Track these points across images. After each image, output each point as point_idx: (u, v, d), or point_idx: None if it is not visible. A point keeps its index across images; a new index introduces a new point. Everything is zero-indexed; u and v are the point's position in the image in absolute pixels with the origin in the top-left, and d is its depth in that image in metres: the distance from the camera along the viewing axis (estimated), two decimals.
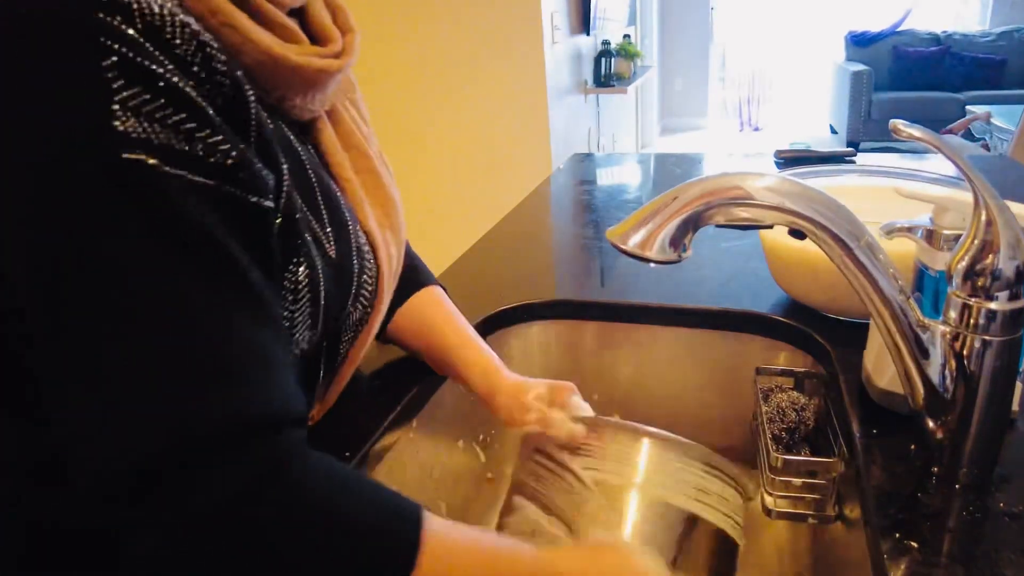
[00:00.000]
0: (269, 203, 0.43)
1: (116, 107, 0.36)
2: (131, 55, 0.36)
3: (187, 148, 0.38)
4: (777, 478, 0.69)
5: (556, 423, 0.61)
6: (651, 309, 0.90)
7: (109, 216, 0.36)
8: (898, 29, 5.73)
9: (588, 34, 3.47)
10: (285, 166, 0.46)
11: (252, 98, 0.43)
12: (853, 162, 1.59)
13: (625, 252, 0.51)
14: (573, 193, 1.55)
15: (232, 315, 0.40)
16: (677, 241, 0.51)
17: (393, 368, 0.79)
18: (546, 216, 1.40)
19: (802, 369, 0.81)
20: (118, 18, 0.36)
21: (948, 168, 1.05)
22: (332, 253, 0.53)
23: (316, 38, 0.54)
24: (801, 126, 6.61)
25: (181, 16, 0.39)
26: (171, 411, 0.37)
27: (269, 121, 0.48)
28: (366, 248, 0.58)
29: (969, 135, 3.92)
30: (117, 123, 0.36)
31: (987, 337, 0.51)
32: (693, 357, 0.90)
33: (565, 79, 3.22)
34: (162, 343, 0.37)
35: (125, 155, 0.36)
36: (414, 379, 0.76)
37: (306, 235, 0.49)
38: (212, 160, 0.39)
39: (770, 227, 0.52)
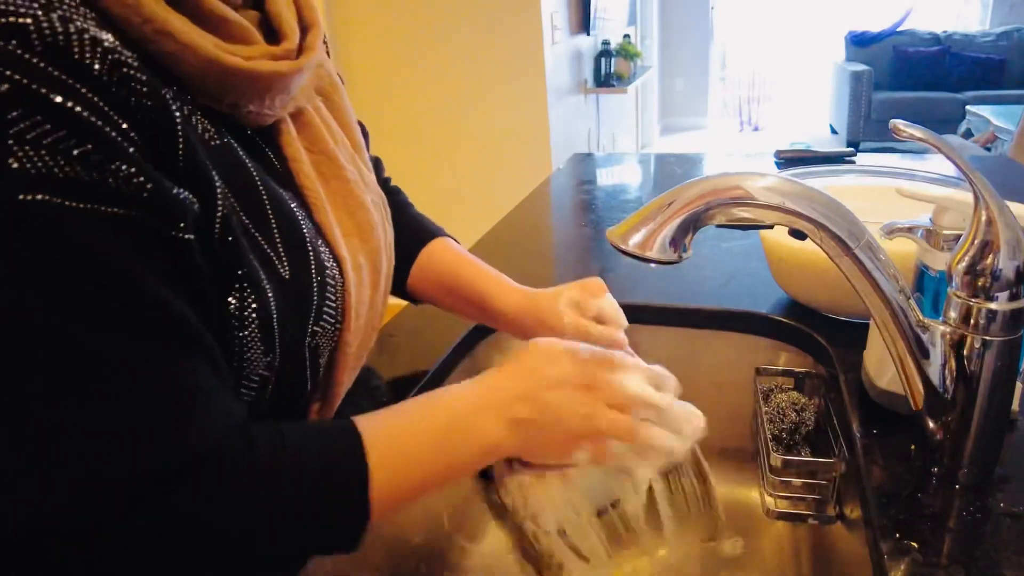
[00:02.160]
0: (190, 234, 0.40)
1: (11, 141, 0.33)
2: (27, 83, 0.33)
3: (97, 179, 0.36)
4: (777, 478, 0.69)
5: (595, 335, 0.63)
6: (651, 309, 0.90)
7: (11, 263, 0.34)
8: (898, 29, 5.73)
9: (588, 34, 3.47)
10: (219, 189, 0.43)
11: (178, 117, 0.40)
12: (853, 162, 1.59)
13: (625, 252, 0.51)
14: (573, 193, 1.55)
15: (152, 353, 0.38)
16: (677, 241, 0.51)
17: (393, 368, 0.79)
18: (546, 216, 1.40)
19: (802, 369, 0.81)
20: (12, 42, 0.33)
21: (948, 168, 1.05)
22: (285, 274, 0.49)
23: (273, 33, 0.50)
24: (801, 126, 6.61)
25: (92, 33, 0.36)
26: (90, 457, 0.36)
27: (215, 137, 0.46)
28: (329, 262, 0.54)
29: (969, 135, 3.92)
30: (11, 160, 0.33)
31: (987, 337, 0.51)
32: (693, 357, 0.90)
33: (565, 79, 3.22)
34: (76, 389, 0.36)
35: (22, 196, 0.33)
36: (414, 379, 0.76)
37: (250, 258, 0.46)
38: (125, 190, 0.37)
39: (770, 227, 0.52)
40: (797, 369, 0.81)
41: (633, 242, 0.50)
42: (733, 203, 0.50)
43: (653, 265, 0.51)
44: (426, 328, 0.88)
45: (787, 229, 0.52)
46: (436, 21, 2.88)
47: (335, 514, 0.44)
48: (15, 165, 0.33)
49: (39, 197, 0.34)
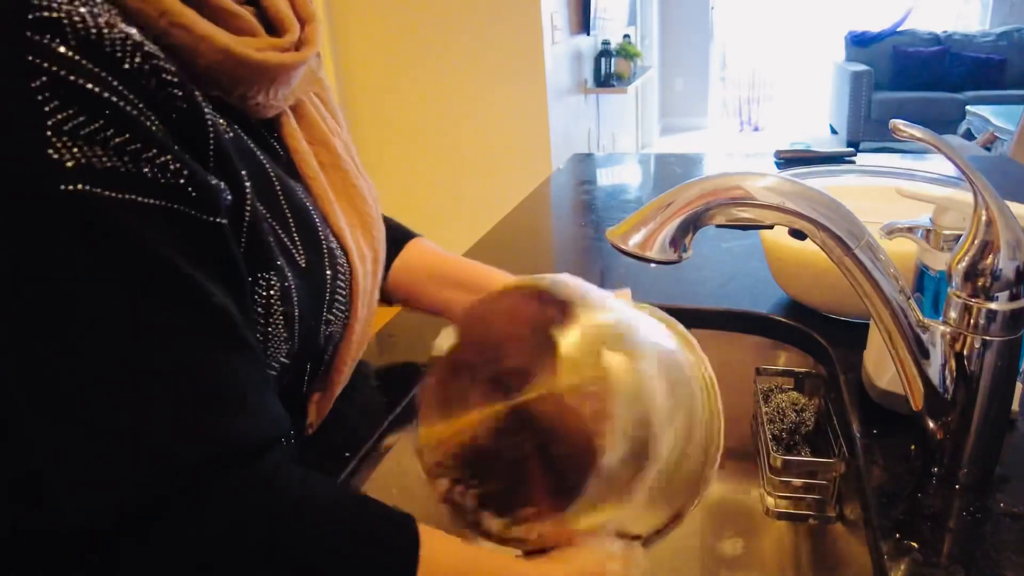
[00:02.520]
0: (225, 219, 0.41)
1: (49, 132, 0.34)
2: (64, 74, 0.34)
3: (134, 169, 0.36)
4: (777, 478, 0.69)
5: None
6: None
7: (57, 255, 0.34)
8: (898, 29, 5.73)
9: (588, 34, 3.47)
10: (246, 179, 0.44)
11: (208, 109, 0.41)
12: (853, 162, 1.59)
13: (625, 252, 0.51)
14: (573, 193, 1.55)
15: (198, 343, 0.38)
16: (677, 241, 0.51)
17: (393, 368, 0.79)
18: (546, 216, 1.40)
19: (802, 369, 0.81)
20: (47, 36, 0.34)
21: (948, 168, 1.05)
22: (302, 262, 0.50)
23: (272, 27, 0.51)
24: (801, 126, 6.61)
25: (122, 27, 0.37)
26: (146, 449, 0.36)
27: (227, 129, 0.46)
28: (338, 251, 0.55)
29: (969, 135, 3.92)
30: (51, 151, 0.33)
31: (987, 337, 0.51)
32: None
33: (565, 79, 3.22)
34: (128, 380, 0.36)
35: (63, 187, 0.34)
36: (414, 379, 0.76)
37: (273, 246, 0.47)
38: (162, 180, 0.37)
39: (770, 227, 0.52)
40: (797, 369, 0.81)
41: (633, 242, 0.50)
42: (733, 203, 0.50)
43: (653, 265, 0.51)
44: (426, 328, 0.88)
45: (787, 229, 0.52)
46: (436, 21, 2.88)
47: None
48: (55, 156, 0.34)
49: (80, 187, 0.34)
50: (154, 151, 0.37)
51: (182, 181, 0.38)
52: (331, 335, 0.55)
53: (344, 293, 0.55)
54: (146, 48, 0.38)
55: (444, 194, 3.13)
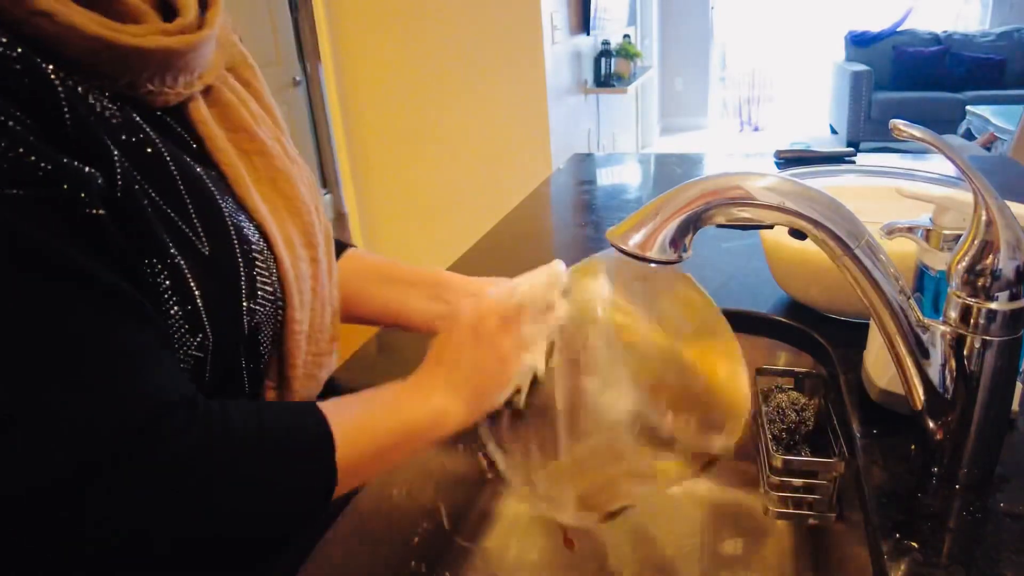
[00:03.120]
0: (98, 206, 0.40)
1: None
2: None
3: None
4: (777, 478, 0.69)
5: (519, 284, 0.62)
6: None
7: None
8: (898, 29, 5.73)
9: (588, 34, 3.47)
10: (117, 159, 0.42)
11: (60, 88, 0.40)
12: (853, 162, 1.59)
13: (625, 252, 0.51)
14: (573, 193, 1.55)
15: (89, 319, 0.39)
16: (677, 241, 0.51)
17: (392, 369, 0.79)
18: (546, 216, 1.40)
19: (802, 369, 0.81)
20: None
21: (948, 168, 1.04)
22: (204, 249, 0.48)
23: (173, 12, 0.50)
24: (801, 126, 6.61)
25: None
26: (54, 426, 0.37)
27: (116, 115, 0.45)
28: (253, 237, 0.53)
29: (969, 135, 3.92)
30: None
31: (987, 337, 0.51)
32: None
33: (565, 79, 3.22)
34: (21, 363, 0.37)
35: None
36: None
37: (161, 234, 0.45)
38: (20, 170, 0.36)
39: (770, 227, 0.52)
40: (797, 369, 0.81)
41: (633, 242, 0.50)
42: (733, 203, 0.50)
43: (653, 265, 0.51)
44: None
45: (787, 229, 0.52)
46: (436, 21, 2.88)
47: (304, 475, 0.47)
48: None
49: None
50: (5, 141, 0.36)
51: (40, 173, 0.37)
52: (258, 326, 0.54)
53: (268, 280, 0.54)
54: None
55: (444, 194, 3.13)
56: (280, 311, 0.56)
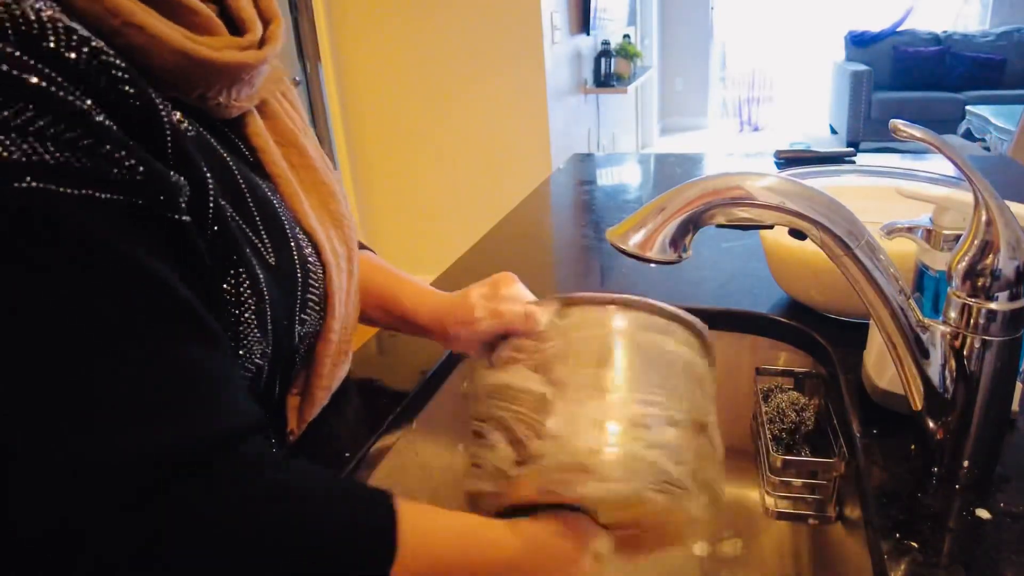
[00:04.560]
0: (186, 215, 0.40)
1: None
2: (6, 70, 0.33)
3: (89, 164, 0.35)
4: (777, 478, 0.69)
5: (507, 313, 0.57)
6: None
7: (13, 253, 0.33)
8: (898, 29, 5.73)
9: (588, 34, 3.47)
10: (209, 175, 0.43)
11: (162, 105, 0.40)
12: (853, 162, 1.59)
13: (625, 252, 0.51)
14: (573, 193, 1.55)
15: (163, 336, 0.38)
16: (677, 241, 0.51)
17: (392, 369, 0.79)
18: (546, 216, 1.40)
19: (802, 369, 0.81)
20: None
21: (948, 168, 1.05)
22: (271, 259, 0.49)
23: (235, 26, 0.50)
24: (801, 126, 6.61)
25: (65, 23, 0.36)
26: (116, 444, 0.35)
27: (189, 127, 0.45)
28: (308, 249, 0.54)
29: (969, 135, 3.92)
30: (0, 149, 0.33)
31: (987, 337, 0.51)
32: None
33: (565, 79, 3.22)
34: (90, 379, 0.35)
35: (16, 185, 0.33)
36: (413, 380, 0.76)
37: (242, 245, 0.46)
38: (118, 175, 0.36)
39: (770, 227, 0.52)
40: (797, 369, 0.81)
41: (633, 242, 0.50)
42: (733, 203, 0.50)
43: (653, 265, 0.51)
44: None
45: (787, 229, 0.52)
46: (436, 21, 2.88)
47: (354, 556, 0.42)
48: (4, 154, 0.33)
49: (33, 184, 0.34)
50: (108, 147, 0.36)
51: (139, 176, 0.37)
52: (306, 335, 0.54)
53: (317, 291, 0.55)
54: (93, 43, 0.37)
55: (444, 194, 3.14)
56: (321, 321, 0.56)
